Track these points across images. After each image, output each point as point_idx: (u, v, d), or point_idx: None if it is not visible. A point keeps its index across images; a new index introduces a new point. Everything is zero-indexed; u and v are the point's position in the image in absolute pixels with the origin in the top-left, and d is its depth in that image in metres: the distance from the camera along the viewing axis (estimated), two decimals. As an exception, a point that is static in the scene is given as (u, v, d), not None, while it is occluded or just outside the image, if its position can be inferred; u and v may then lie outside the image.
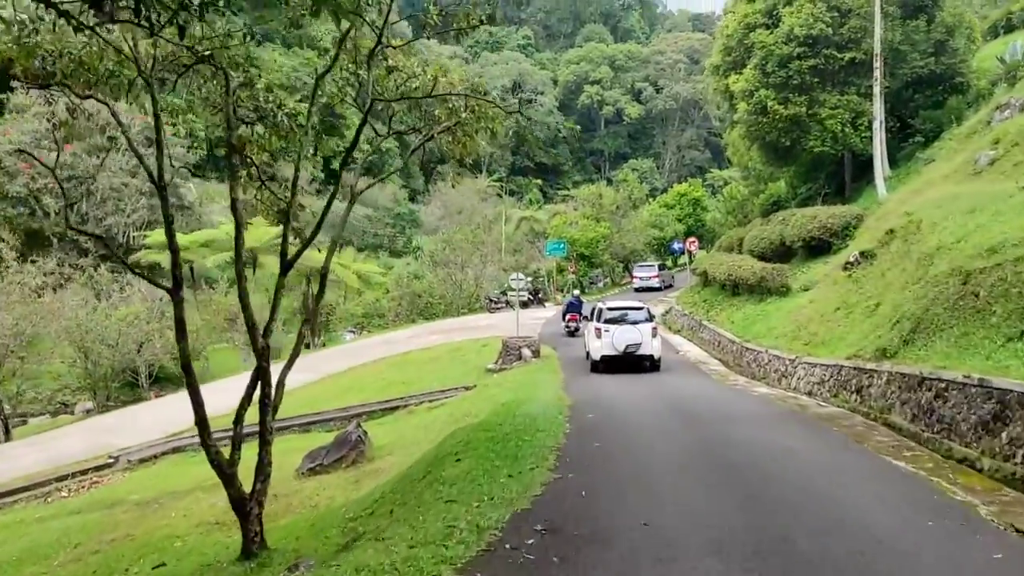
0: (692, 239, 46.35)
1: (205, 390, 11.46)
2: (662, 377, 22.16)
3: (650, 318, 23.68)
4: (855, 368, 15.60)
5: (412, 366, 29.83)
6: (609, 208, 55.52)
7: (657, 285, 48.59)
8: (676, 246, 46.16)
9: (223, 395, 30.86)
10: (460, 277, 44.10)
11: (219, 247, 43.39)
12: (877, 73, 33.05)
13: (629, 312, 23.50)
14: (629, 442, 12.26)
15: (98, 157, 42.94)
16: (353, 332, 42.70)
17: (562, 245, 48.12)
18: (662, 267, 49.22)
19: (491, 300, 42.25)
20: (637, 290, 50.06)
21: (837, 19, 34.79)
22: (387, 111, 14.72)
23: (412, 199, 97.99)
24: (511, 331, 29.32)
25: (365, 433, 19.67)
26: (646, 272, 49.83)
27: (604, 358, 22.50)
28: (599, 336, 22.81)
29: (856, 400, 15.16)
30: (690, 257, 43.58)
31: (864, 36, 34.41)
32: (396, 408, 24.22)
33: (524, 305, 44.69)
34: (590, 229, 52.37)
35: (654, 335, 23.09)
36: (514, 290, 30.35)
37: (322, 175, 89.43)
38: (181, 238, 47.13)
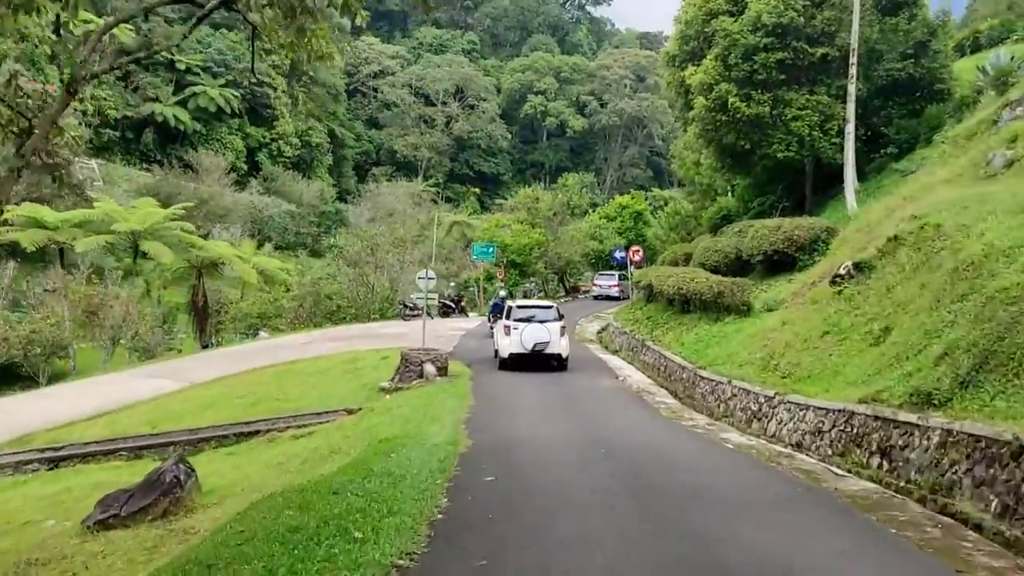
0: (636, 248, 41.96)
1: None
2: (598, 409, 17.22)
3: (559, 317, 23.82)
4: (876, 417, 10.70)
5: (295, 379, 24.27)
6: (546, 214, 50.57)
7: (616, 294, 46.31)
8: (617, 255, 40.82)
9: (47, 403, 24.83)
10: (374, 279, 38.64)
11: (94, 228, 37.24)
12: (853, 70, 28.78)
13: (538, 311, 23.96)
14: (546, 555, 6.72)
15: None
16: (265, 333, 36.96)
17: (491, 249, 43.00)
18: (622, 278, 45.17)
19: (406, 307, 36.99)
20: (596, 298, 47.86)
21: (809, 8, 30.51)
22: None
23: (342, 199, 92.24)
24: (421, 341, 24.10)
25: (189, 471, 14.04)
26: (607, 280, 48.81)
27: (512, 356, 22.64)
28: (508, 333, 23.03)
29: (883, 467, 10.22)
30: (628, 269, 38.78)
31: (839, 30, 30.18)
32: (257, 433, 18.65)
33: (445, 314, 39.43)
34: (524, 234, 47.33)
35: (562, 334, 23.25)
36: (422, 293, 25.33)
37: (245, 166, 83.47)
38: (50, 216, 41.28)
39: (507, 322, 23.34)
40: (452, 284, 40.28)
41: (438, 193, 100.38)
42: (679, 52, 36.00)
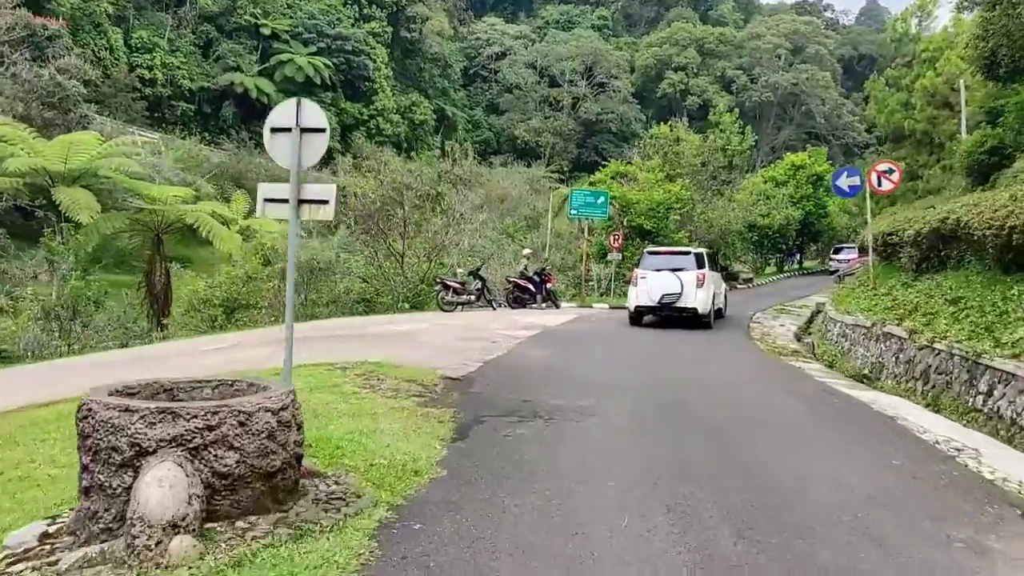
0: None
1: None
2: None
3: (699, 265, 18.99)
4: None
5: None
6: (691, 162, 33.58)
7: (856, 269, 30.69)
8: (843, 183, 20.73)
9: None
10: (403, 247, 22.66)
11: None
12: None
13: (673, 258, 19.75)
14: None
15: None
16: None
17: (600, 199, 26.24)
18: (862, 251, 28.78)
19: (445, 285, 21.10)
20: (840, 277, 32.38)
21: None
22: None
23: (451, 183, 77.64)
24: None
25: None
26: (847, 255, 39.11)
27: (638, 308, 19.22)
28: (635, 283, 19.32)
29: None
30: (867, 201, 20.27)
31: None
32: None
33: (518, 301, 23.06)
34: (657, 188, 30.41)
35: (699, 284, 18.50)
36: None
37: (338, 145, 70.37)
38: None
39: (637, 270, 19.78)
40: (527, 253, 23.86)
41: (561, 180, 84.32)
42: None
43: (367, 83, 73.01)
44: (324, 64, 68.19)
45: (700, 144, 35.79)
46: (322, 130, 6.63)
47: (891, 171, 15.74)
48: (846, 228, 49.22)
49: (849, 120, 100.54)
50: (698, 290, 18.37)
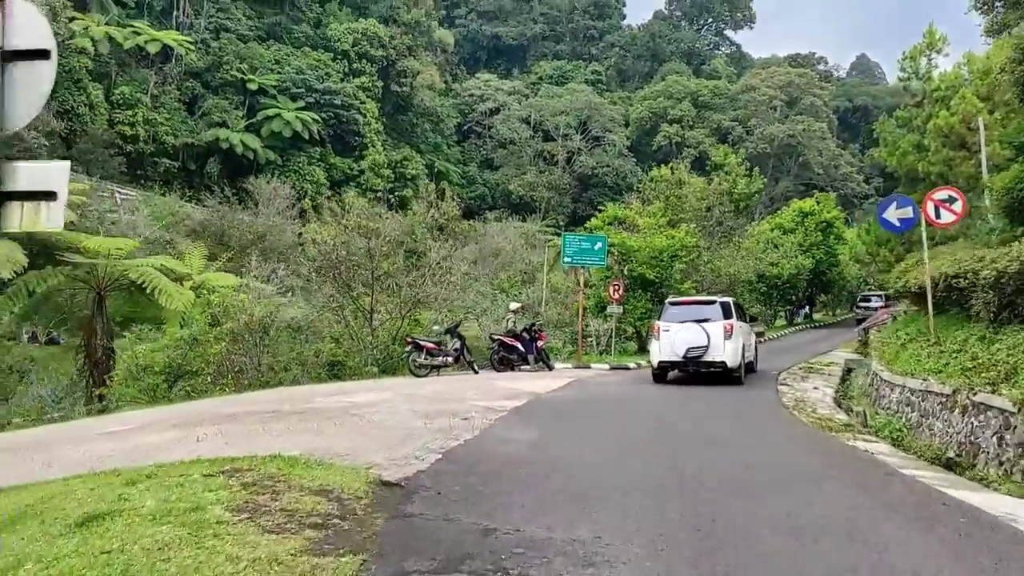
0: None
1: None
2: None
3: (726, 314, 17.36)
4: None
5: None
6: (695, 206, 30.58)
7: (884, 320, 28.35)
8: (891, 217, 17.18)
9: None
10: (371, 303, 19.23)
11: None
12: None
13: (696, 308, 18.03)
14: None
15: None
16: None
17: (596, 246, 23.08)
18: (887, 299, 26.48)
19: (417, 346, 17.78)
20: (862, 331, 29.76)
21: None
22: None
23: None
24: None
25: None
26: (874, 303, 36.81)
27: (662, 364, 17.63)
28: (658, 337, 17.61)
29: None
30: (923, 238, 16.90)
31: None
32: None
33: (505, 362, 19.84)
34: (659, 234, 27.25)
35: (728, 335, 16.85)
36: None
37: (326, 201, 67.48)
38: None
39: (658, 323, 17.93)
40: (515, 308, 20.48)
41: (556, 234, 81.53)
42: None
43: (357, 138, 70.77)
44: (312, 119, 65.97)
45: (704, 187, 32.92)
46: (43, 54, 3.49)
47: (952, 199, 12.70)
48: (856, 278, 46.29)
49: (847, 171, 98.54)
50: (726, 342, 16.80)
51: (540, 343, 20.14)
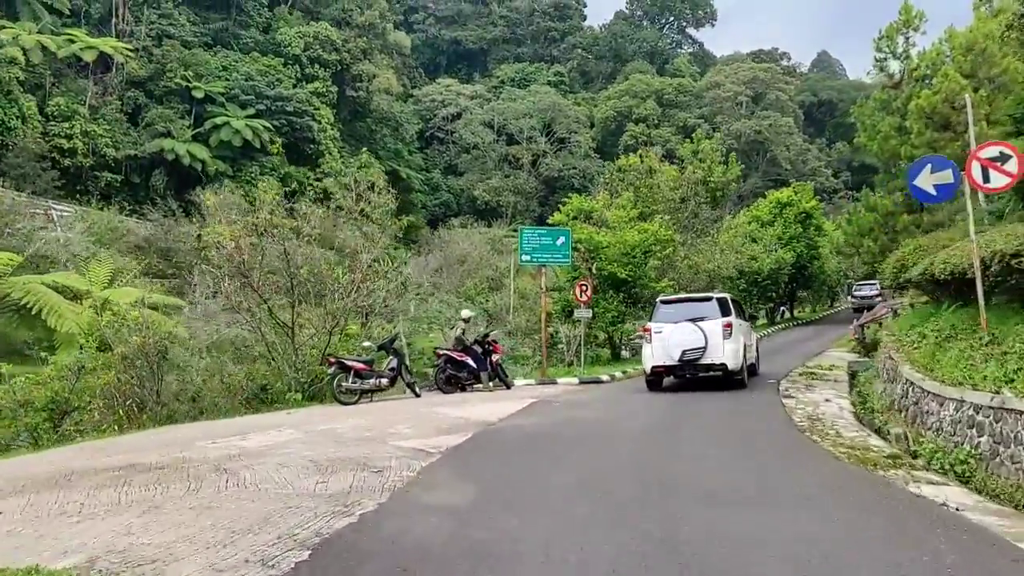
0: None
1: None
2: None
3: (724, 311, 15.47)
4: None
5: None
6: (668, 196, 27.53)
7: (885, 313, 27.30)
8: (925, 183, 14.35)
9: None
10: (293, 315, 15.86)
11: None
12: None
13: (691, 306, 16.06)
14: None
15: None
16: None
17: (560, 239, 19.90)
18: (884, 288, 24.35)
19: (342, 366, 14.47)
20: (859, 327, 27.41)
21: None
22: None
23: (407, 247, 71.45)
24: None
25: None
26: (867, 291, 34.90)
27: (655, 370, 15.58)
28: (649, 339, 15.77)
29: None
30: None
31: None
32: None
33: (452, 381, 16.70)
34: (631, 229, 24.57)
35: (727, 334, 15.06)
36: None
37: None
38: None
39: (650, 324, 16.08)
40: (467, 316, 17.23)
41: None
42: None
43: (312, 145, 67.26)
44: (264, 126, 62.39)
45: (677, 176, 29.88)
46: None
47: (1005, 157, 9.76)
48: (837, 272, 43.70)
49: (816, 165, 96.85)
50: (726, 342, 15.09)
51: (496, 356, 16.97)
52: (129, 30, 62.64)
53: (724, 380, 15.44)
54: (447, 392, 16.30)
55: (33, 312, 18.00)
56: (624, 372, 21.09)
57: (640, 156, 31.57)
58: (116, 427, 15.27)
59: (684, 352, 14.93)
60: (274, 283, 16.81)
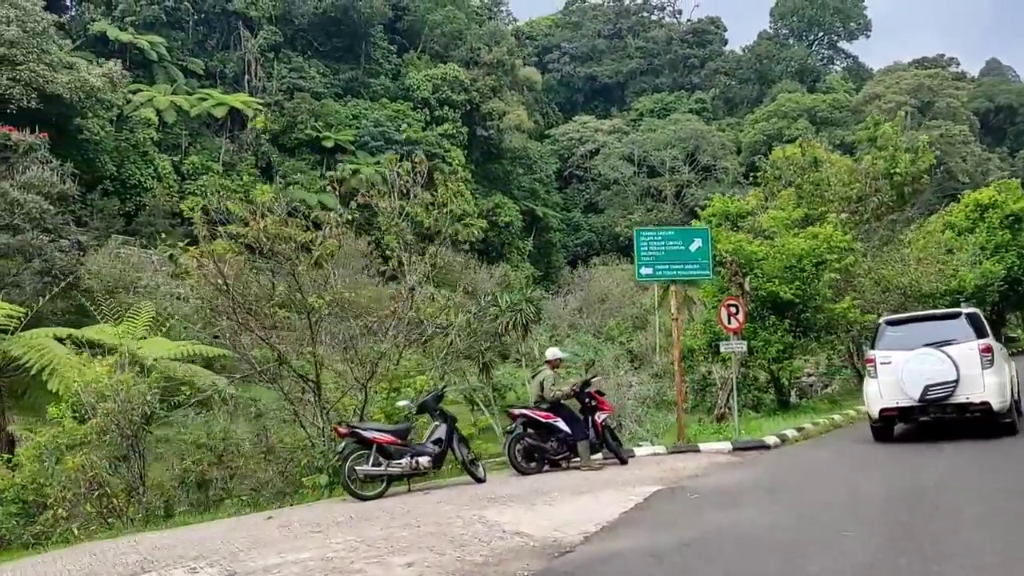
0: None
1: None
2: None
3: (979, 332, 11.82)
4: None
5: None
6: (842, 194, 21.13)
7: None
8: None
9: None
10: (313, 365, 10.99)
11: None
12: None
13: (932, 325, 12.56)
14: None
15: None
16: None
17: (696, 242, 13.99)
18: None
19: (360, 439, 9.44)
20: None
21: None
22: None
23: (545, 287, 67.14)
24: None
25: None
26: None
27: (885, 413, 11.97)
28: (874, 373, 12.13)
29: None
30: None
31: None
32: None
33: (530, 454, 11.20)
34: (794, 235, 17.87)
35: (987, 364, 11.40)
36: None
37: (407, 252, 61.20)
38: None
39: (873, 352, 12.33)
40: (553, 357, 11.70)
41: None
42: None
43: (444, 188, 64.24)
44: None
45: (851, 168, 23.38)
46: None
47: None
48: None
49: (998, 176, 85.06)
50: (986, 372, 11.34)
51: (602, 416, 11.47)
52: (262, 86, 62.46)
53: (983, 425, 11.64)
54: (525, 472, 10.92)
55: (32, 371, 14.27)
56: (799, 430, 14.91)
57: (800, 147, 25.23)
58: (104, 522, 11.04)
59: (927, 388, 11.31)
60: (284, 320, 12.20)
